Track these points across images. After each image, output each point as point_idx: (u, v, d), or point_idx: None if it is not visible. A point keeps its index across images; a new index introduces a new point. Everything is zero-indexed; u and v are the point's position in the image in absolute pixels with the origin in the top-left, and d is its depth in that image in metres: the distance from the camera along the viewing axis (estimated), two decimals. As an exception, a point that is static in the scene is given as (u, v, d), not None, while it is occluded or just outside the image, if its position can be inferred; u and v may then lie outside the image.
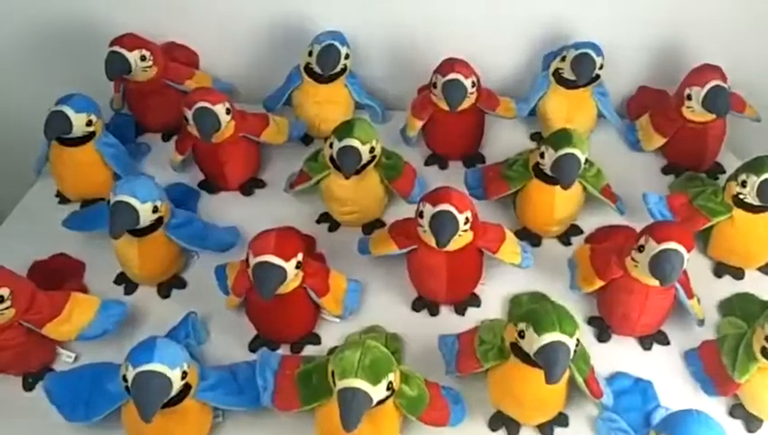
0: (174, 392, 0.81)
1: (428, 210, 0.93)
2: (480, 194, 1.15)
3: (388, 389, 0.80)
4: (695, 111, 1.16)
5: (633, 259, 0.93)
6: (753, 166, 1.01)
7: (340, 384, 0.78)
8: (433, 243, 0.94)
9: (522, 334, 0.82)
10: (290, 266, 0.89)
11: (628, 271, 0.95)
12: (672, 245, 0.89)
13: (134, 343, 0.96)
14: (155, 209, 0.97)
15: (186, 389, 0.83)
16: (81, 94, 1.11)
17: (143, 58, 1.20)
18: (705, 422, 0.74)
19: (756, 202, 1.01)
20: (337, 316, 1.00)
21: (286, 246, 0.90)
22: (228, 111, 1.11)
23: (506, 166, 1.12)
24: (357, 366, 0.78)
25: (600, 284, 0.98)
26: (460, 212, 0.93)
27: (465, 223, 0.94)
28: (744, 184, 1.01)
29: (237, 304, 0.98)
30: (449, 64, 1.15)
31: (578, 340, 0.82)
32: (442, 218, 0.92)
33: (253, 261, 0.89)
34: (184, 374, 0.81)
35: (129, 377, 0.79)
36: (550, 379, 0.79)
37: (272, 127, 1.20)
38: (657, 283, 0.91)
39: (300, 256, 0.91)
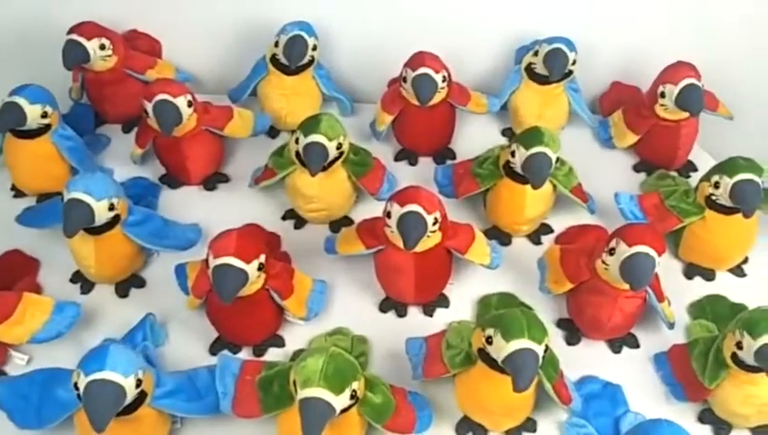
0: (128, 401, 0.77)
1: (396, 210, 0.91)
2: (450, 192, 1.12)
3: (351, 397, 0.78)
4: (668, 109, 1.15)
5: (604, 262, 0.92)
6: (726, 167, 0.99)
7: (302, 394, 0.75)
8: (400, 244, 0.91)
9: (489, 340, 0.80)
10: (251, 269, 0.86)
11: (599, 274, 0.93)
12: (643, 248, 0.87)
13: (91, 344, 0.93)
14: (111, 207, 0.93)
15: (141, 396, 0.80)
16: (35, 85, 1.06)
17: (102, 47, 1.16)
18: (675, 433, 0.72)
19: (728, 204, 0.99)
20: (301, 318, 0.97)
21: (247, 247, 0.87)
22: (190, 104, 1.07)
23: (477, 164, 1.10)
24: (319, 375, 0.75)
25: (569, 286, 0.96)
26: (428, 213, 0.90)
27: (434, 224, 0.91)
28: (716, 185, 0.99)
29: (198, 305, 0.95)
30: (419, 58, 1.12)
31: (546, 346, 0.81)
32: (410, 219, 0.89)
33: (213, 263, 0.86)
34: (138, 382, 0.78)
35: (81, 385, 0.75)
36: (517, 387, 0.77)
37: (236, 120, 1.16)
38: (627, 286, 0.89)
39: (262, 258, 0.88)
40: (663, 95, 1.14)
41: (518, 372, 0.77)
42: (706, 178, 1.02)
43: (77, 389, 0.76)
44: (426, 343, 0.92)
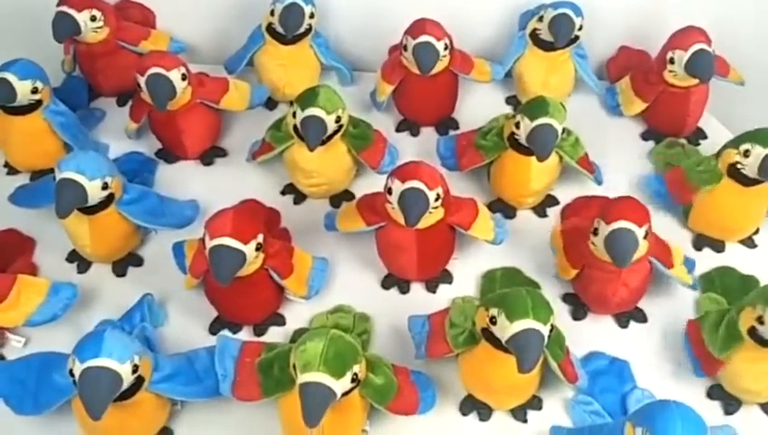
0: (125, 387, 0.76)
1: (397, 187, 0.88)
2: (453, 164, 1.10)
3: (353, 380, 0.76)
4: (677, 76, 1.11)
5: (593, 243, 0.90)
6: (760, 136, 0.95)
7: (302, 378, 0.73)
8: (402, 220, 0.89)
9: (493, 320, 0.78)
10: (249, 249, 0.84)
11: (594, 254, 0.91)
12: (622, 224, 0.85)
13: (88, 326, 0.93)
14: (105, 186, 0.91)
15: (139, 381, 0.78)
16: (25, 60, 1.03)
17: (93, 18, 1.13)
18: (685, 415, 0.70)
19: (753, 175, 0.95)
20: (302, 297, 0.95)
21: (245, 227, 0.84)
22: (184, 77, 1.04)
23: (480, 135, 1.07)
24: (320, 359, 0.73)
25: (575, 272, 0.94)
26: (430, 189, 0.88)
27: (436, 200, 0.89)
28: (746, 154, 0.95)
29: (195, 285, 0.93)
30: (420, 25, 1.08)
31: (552, 325, 0.79)
32: (411, 196, 0.87)
33: (209, 244, 0.83)
34: (135, 368, 0.76)
35: (77, 372, 0.74)
36: (522, 368, 0.75)
37: (232, 92, 1.13)
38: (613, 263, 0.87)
39: (260, 238, 0.86)
40: (672, 61, 1.10)
41: (523, 353, 0.75)
42: (734, 145, 0.97)
43: (72, 375, 0.75)
44: (428, 322, 0.91)
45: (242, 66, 1.23)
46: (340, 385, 0.74)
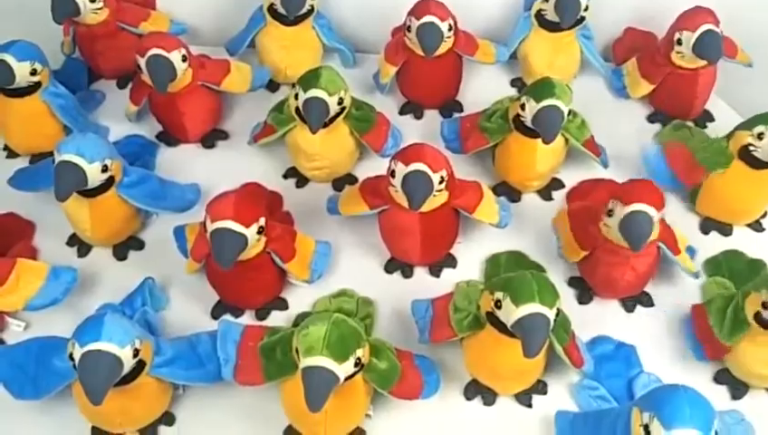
0: (126, 371, 0.75)
1: (401, 169, 0.87)
2: (457, 147, 1.08)
3: (356, 365, 0.75)
4: (684, 57, 1.09)
5: (606, 224, 0.89)
6: None
7: (305, 362, 0.72)
8: (405, 204, 0.87)
9: (498, 304, 0.77)
10: (251, 233, 0.83)
11: (605, 236, 0.90)
12: (640, 206, 0.84)
13: (89, 310, 0.93)
14: (104, 169, 0.90)
15: (140, 365, 0.77)
16: (24, 41, 1.01)
17: (93, 0, 1.11)
18: (693, 400, 0.69)
19: (766, 158, 0.94)
20: (305, 281, 0.94)
21: (246, 210, 0.83)
22: (185, 59, 1.03)
23: (485, 117, 1.05)
24: (323, 343, 0.72)
25: (584, 254, 0.93)
26: (434, 172, 0.86)
27: (440, 183, 0.88)
28: (761, 136, 0.93)
29: (197, 269, 0.92)
30: (424, 5, 1.06)
31: (558, 309, 0.77)
32: (415, 179, 0.86)
33: (210, 227, 0.82)
34: (136, 352, 0.75)
35: (76, 356, 0.73)
36: (528, 352, 0.74)
37: (233, 74, 1.11)
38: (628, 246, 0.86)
39: (262, 221, 0.85)
40: (680, 42, 1.08)
41: (529, 337, 0.74)
42: (747, 127, 0.96)
43: (72, 360, 0.74)
44: (432, 306, 0.90)
45: (243, 48, 1.21)
46: (343, 369, 0.73)
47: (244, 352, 0.82)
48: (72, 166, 0.87)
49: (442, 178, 0.88)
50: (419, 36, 1.06)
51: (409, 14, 1.08)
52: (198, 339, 0.86)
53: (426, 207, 0.88)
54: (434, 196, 0.88)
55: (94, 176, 0.89)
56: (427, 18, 1.05)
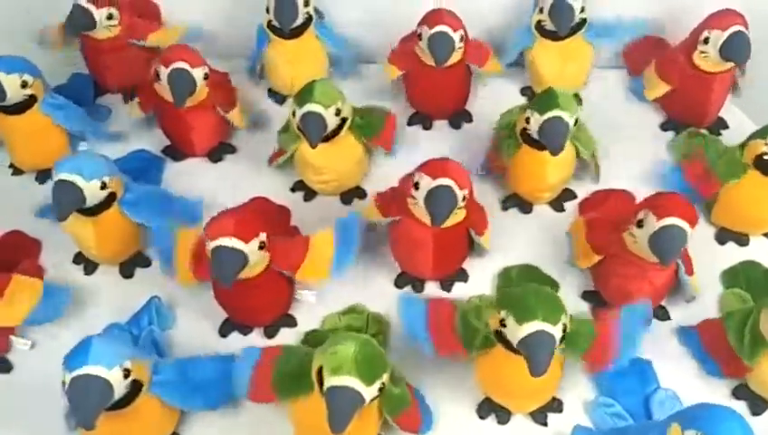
0: (119, 394, 0.73)
1: (426, 183, 0.85)
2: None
3: (379, 389, 0.73)
4: (708, 57, 1.06)
5: (632, 235, 0.86)
6: None
7: (331, 381, 0.70)
8: (424, 218, 0.86)
9: (503, 323, 0.75)
10: (251, 248, 0.81)
11: (627, 247, 0.88)
12: (675, 221, 0.82)
13: (96, 328, 0.91)
14: (103, 186, 0.88)
15: (135, 387, 0.76)
16: (8, 56, 1.00)
17: (110, 17, 1.11)
18: (742, 423, 0.67)
19: None
20: (324, 279, 0.90)
21: (245, 226, 0.81)
22: (206, 77, 1.03)
23: (497, 131, 1.04)
24: (352, 363, 0.70)
25: (596, 259, 0.91)
26: (461, 188, 0.85)
27: (463, 200, 0.86)
28: None
29: (192, 282, 0.89)
30: (437, 15, 1.05)
31: (565, 324, 0.75)
32: (441, 194, 0.84)
33: (209, 245, 0.81)
34: (126, 372, 0.73)
35: (66, 382, 0.71)
36: (534, 372, 0.72)
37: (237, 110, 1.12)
38: (657, 259, 0.84)
39: (263, 236, 0.82)
40: (707, 41, 1.05)
41: (533, 356, 0.72)
42: (762, 135, 0.94)
43: (64, 386, 0.72)
44: (427, 311, 0.85)
45: (258, 67, 1.21)
46: (369, 392, 0.71)
47: (259, 370, 0.80)
48: (70, 185, 0.86)
49: (465, 196, 0.86)
50: (431, 45, 1.04)
51: (421, 23, 1.06)
52: (197, 364, 0.84)
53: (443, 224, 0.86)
54: (455, 213, 0.86)
55: (93, 193, 0.88)
56: (439, 27, 1.03)
